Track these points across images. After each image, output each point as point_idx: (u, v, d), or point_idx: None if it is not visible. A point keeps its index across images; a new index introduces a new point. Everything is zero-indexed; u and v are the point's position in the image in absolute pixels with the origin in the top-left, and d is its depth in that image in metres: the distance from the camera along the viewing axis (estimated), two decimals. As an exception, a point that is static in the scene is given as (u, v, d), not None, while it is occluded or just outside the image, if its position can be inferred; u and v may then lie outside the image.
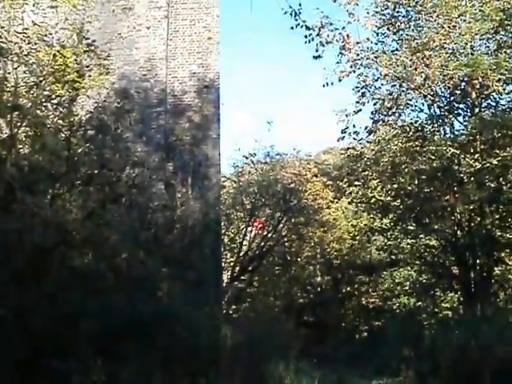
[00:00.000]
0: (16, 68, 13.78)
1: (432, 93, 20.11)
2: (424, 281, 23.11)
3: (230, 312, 24.01)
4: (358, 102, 21.09)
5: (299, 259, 28.53)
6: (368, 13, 19.94)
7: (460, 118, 20.62)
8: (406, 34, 20.29)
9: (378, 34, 20.85)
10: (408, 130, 21.11)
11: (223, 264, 23.00)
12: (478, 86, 18.88)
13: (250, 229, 26.11)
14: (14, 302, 10.39)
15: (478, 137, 18.95)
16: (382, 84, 20.85)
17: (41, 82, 14.02)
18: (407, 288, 25.40)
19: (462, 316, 19.69)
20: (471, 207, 19.46)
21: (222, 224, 22.22)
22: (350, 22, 19.02)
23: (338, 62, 19.58)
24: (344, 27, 18.99)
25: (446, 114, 20.48)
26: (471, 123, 18.95)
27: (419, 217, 21.31)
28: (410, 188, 21.27)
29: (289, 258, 27.98)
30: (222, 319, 15.44)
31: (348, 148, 23.46)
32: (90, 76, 15.37)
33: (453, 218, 20.34)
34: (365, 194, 23.50)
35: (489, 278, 19.55)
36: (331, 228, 28.36)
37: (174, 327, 11.51)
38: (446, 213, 20.74)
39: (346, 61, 19.59)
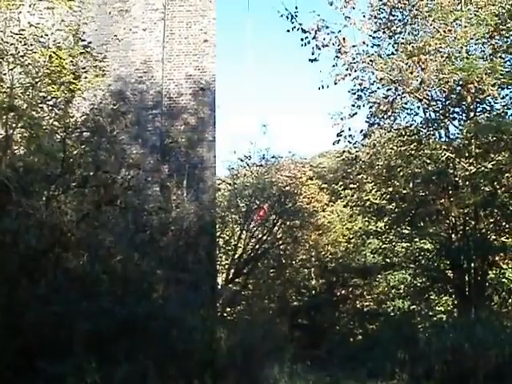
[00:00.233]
0: (12, 69, 13.77)
1: (427, 97, 20.17)
2: (419, 284, 23.11)
3: (225, 314, 23.98)
4: (353, 106, 21.15)
5: (294, 262, 28.52)
6: (364, 16, 20.04)
7: (455, 122, 20.75)
8: (402, 38, 20.35)
9: (373, 38, 20.93)
10: (403, 133, 21.19)
11: (218, 266, 22.99)
12: (473, 90, 18.92)
13: (254, 218, 25.92)
14: (8, 303, 10.38)
15: (473, 141, 19.02)
16: (378, 87, 20.93)
17: (36, 83, 14.01)
18: (402, 291, 25.39)
19: (456, 319, 19.70)
20: (466, 211, 19.51)
21: (217, 226, 22.21)
22: (346, 25, 19.13)
23: (333, 65, 19.62)
24: (340, 30, 19.10)
25: (442, 117, 20.55)
26: (466, 127, 19.01)
27: (414, 220, 21.36)
28: (404, 191, 21.32)
29: (284, 261, 27.94)
30: (217, 322, 15.42)
31: (343, 151, 23.54)
32: (85, 78, 15.39)
33: (448, 221, 20.40)
34: (360, 198, 23.55)
35: (483, 281, 19.59)
36: (326, 231, 28.38)
37: (169, 329, 11.50)
38: (441, 216, 20.81)
39: (342, 64, 19.63)
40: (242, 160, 27.45)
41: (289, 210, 25.73)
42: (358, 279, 27.28)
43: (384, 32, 20.90)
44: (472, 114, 19.68)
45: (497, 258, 20.01)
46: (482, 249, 19.00)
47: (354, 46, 19.42)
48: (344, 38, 19.13)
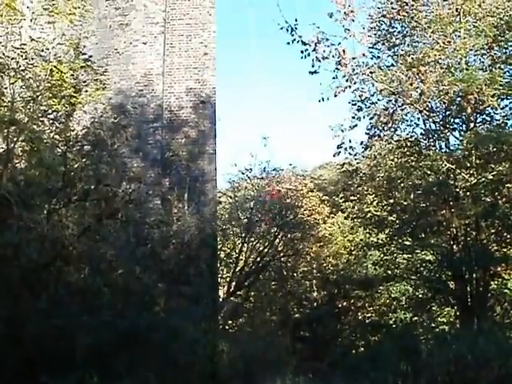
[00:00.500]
0: (13, 83, 13.83)
1: (427, 108, 20.19)
2: (420, 295, 23.05)
3: (227, 327, 23.92)
4: (353, 117, 21.12)
5: (295, 274, 28.44)
6: (364, 28, 20.09)
7: (455, 133, 20.73)
8: (402, 50, 20.42)
9: (373, 49, 21.00)
10: (404, 145, 21.16)
11: (219, 279, 22.94)
12: (473, 101, 18.95)
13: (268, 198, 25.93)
14: (9, 316, 10.36)
15: (473, 152, 18.99)
16: (378, 99, 20.93)
17: (37, 96, 14.07)
18: (404, 303, 25.32)
19: (458, 330, 19.63)
20: (467, 222, 19.46)
21: (219, 239, 22.21)
22: (346, 37, 19.13)
23: (334, 78, 19.65)
24: (340, 43, 19.12)
25: (442, 128, 20.56)
26: (467, 138, 18.99)
27: (415, 232, 21.31)
28: (405, 203, 21.29)
29: (285, 273, 27.87)
30: (219, 334, 15.39)
31: (344, 163, 23.52)
32: (86, 91, 15.45)
33: (449, 232, 20.36)
34: (361, 209, 23.53)
35: (485, 292, 19.53)
36: (327, 243, 28.30)
37: (171, 342, 11.49)
38: (442, 227, 20.76)
39: (342, 76, 19.66)
40: (242, 173, 27.47)
41: (290, 222, 25.71)
42: (359, 291, 27.18)
43: (383, 44, 20.98)
44: (472, 125, 19.68)
45: (499, 269, 19.96)
46: (484, 259, 18.94)
47: (353, 58, 19.45)
48: (344, 50, 19.17)
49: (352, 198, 23.75)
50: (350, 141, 21.24)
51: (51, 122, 14.73)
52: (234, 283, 24.64)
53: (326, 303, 27.87)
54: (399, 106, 20.59)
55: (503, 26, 17.69)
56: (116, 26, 19.83)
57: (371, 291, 26.78)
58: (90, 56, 15.96)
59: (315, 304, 28.38)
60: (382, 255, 23.56)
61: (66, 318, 10.52)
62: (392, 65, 20.60)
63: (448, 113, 20.57)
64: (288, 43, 18.76)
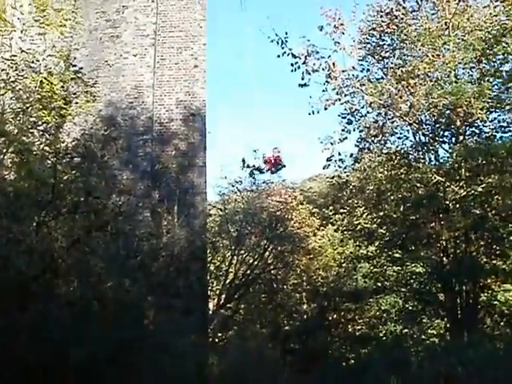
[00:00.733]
0: (3, 94, 13.81)
1: (417, 120, 20.32)
2: (410, 308, 23.04)
3: (216, 340, 23.83)
4: (343, 130, 21.24)
5: (285, 287, 28.42)
6: (354, 41, 20.28)
7: (445, 146, 20.85)
8: (391, 63, 20.58)
9: (363, 63, 21.13)
10: (393, 157, 21.24)
11: (209, 292, 22.86)
12: (462, 114, 19.08)
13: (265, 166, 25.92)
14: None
15: (462, 164, 19.09)
16: (368, 112, 21.05)
17: (27, 108, 14.03)
18: (394, 315, 25.29)
19: (448, 342, 19.64)
20: (457, 234, 19.54)
21: (208, 252, 22.15)
22: (336, 50, 19.31)
23: (323, 90, 19.73)
24: (330, 55, 19.28)
25: (431, 141, 20.67)
26: (456, 151, 19.09)
27: (405, 244, 21.36)
28: (395, 215, 21.35)
29: (275, 286, 27.86)
30: (208, 347, 15.32)
31: (333, 176, 23.63)
32: (76, 103, 15.44)
33: (438, 245, 20.42)
34: (350, 222, 23.59)
35: (475, 304, 19.55)
36: (317, 255, 28.30)
37: (161, 355, 11.41)
38: (432, 240, 20.83)
39: (332, 89, 19.74)
40: (232, 185, 27.48)
41: (279, 234, 25.71)
42: (349, 303, 27.17)
43: (373, 57, 21.13)
44: (461, 138, 19.80)
45: (488, 281, 20.01)
46: (474, 272, 18.98)
47: (343, 71, 19.59)
48: (334, 63, 19.31)
49: (342, 210, 23.82)
50: (339, 153, 21.41)
51: (41, 133, 14.67)
52: (223, 296, 24.59)
53: (316, 316, 27.83)
54: (389, 119, 20.73)
55: (491, 40, 17.81)
56: (106, 38, 19.85)
57: (361, 303, 26.79)
58: (81, 68, 15.96)
59: (305, 316, 28.35)
60: (371, 267, 23.61)
61: (55, 331, 10.43)
62: (382, 78, 20.77)
63: (437, 125, 20.69)
64: (278, 56, 18.88)
